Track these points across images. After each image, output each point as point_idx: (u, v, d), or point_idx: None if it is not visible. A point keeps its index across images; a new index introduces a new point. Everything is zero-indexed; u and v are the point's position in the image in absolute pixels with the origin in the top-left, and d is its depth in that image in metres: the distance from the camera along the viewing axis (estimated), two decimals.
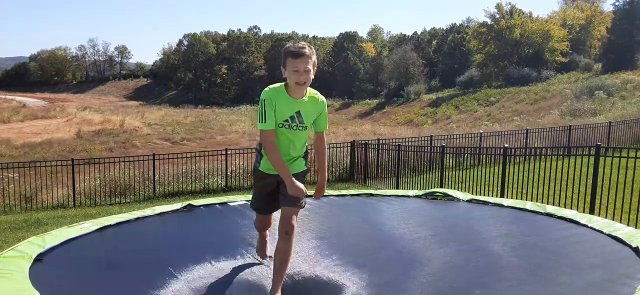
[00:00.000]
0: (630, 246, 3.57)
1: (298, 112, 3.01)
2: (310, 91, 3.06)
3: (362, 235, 4.12)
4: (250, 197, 5.59)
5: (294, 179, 2.97)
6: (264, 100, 2.97)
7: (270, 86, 3.06)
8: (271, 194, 3.21)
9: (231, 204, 5.20)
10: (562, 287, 2.96)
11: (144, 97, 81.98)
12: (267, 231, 3.59)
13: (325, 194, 5.87)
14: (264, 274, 3.21)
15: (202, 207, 5.01)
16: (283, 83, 3.04)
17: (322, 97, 3.11)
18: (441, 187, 9.55)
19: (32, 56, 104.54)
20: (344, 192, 6.11)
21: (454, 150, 12.74)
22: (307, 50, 2.92)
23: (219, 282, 3.08)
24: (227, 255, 3.60)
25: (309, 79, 2.95)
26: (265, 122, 2.97)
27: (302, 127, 3.04)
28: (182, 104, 66.71)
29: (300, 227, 4.31)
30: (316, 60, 3.02)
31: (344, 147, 14.75)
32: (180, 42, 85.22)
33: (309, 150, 3.25)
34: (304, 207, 3.11)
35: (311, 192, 3.26)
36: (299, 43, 2.97)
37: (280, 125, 3.01)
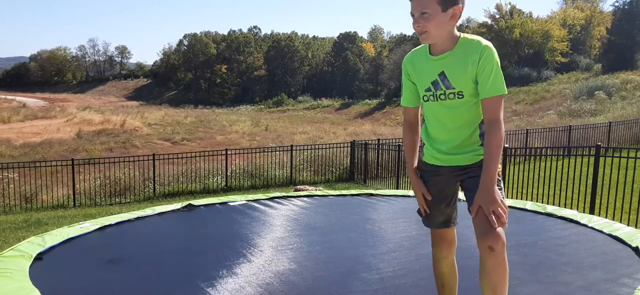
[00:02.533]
0: (630, 246, 3.57)
1: (441, 74, 2.09)
2: (465, 39, 2.10)
3: (362, 235, 4.12)
4: (250, 196, 5.59)
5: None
6: (403, 67, 2.23)
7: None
8: (443, 197, 2.27)
9: (231, 203, 5.20)
10: (562, 286, 2.96)
11: (144, 97, 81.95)
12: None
13: (325, 194, 5.87)
14: (264, 273, 3.21)
15: (202, 207, 5.02)
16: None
17: (480, 41, 2.08)
18: None
19: (32, 56, 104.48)
20: (344, 192, 6.11)
21: None
22: None
23: (219, 282, 3.08)
24: (227, 255, 3.60)
25: (428, 29, 2.02)
26: (401, 96, 2.27)
27: (454, 94, 2.08)
28: (182, 104, 66.71)
29: (300, 227, 4.31)
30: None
31: (344, 147, 14.76)
32: (180, 42, 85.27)
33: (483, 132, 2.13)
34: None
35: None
36: None
37: (424, 98, 2.17)
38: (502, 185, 2.16)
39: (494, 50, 2.09)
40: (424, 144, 2.31)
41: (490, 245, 2.01)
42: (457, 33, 2.11)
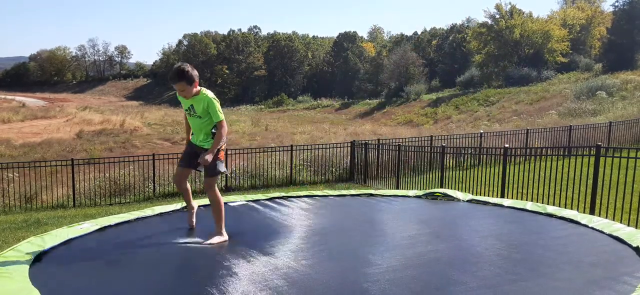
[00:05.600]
0: (630, 246, 3.57)
1: (191, 106, 4.10)
2: (201, 92, 4.07)
3: (362, 235, 4.12)
4: (250, 197, 5.61)
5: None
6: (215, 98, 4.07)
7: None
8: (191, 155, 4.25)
9: (231, 204, 5.20)
10: (562, 283, 2.96)
11: (143, 97, 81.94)
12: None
13: (325, 194, 5.88)
14: (264, 272, 3.21)
15: (202, 208, 5.01)
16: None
17: (207, 94, 4.06)
18: (441, 187, 9.54)
19: (32, 56, 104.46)
20: (344, 192, 6.11)
21: (454, 150, 12.74)
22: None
23: (219, 282, 3.08)
24: (227, 255, 3.59)
25: (186, 92, 4.02)
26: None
27: (196, 116, 4.11)
28: None
29: (300, 227, 4.31)
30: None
31: (344, 147, 14.75)
32: (180, 42, 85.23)
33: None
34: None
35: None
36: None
37: (187, 113, 4.26)
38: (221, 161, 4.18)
39: (214, 97, 4.07)
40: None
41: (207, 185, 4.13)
42: (199, 88, 4.05)
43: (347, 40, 76.52)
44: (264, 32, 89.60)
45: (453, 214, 4.84)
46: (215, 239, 3.97)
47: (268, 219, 4.64)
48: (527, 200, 7.10)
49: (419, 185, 10.86)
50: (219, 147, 4.03)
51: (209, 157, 3.92)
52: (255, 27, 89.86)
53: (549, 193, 7.68)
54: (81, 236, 4.03)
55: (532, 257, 3.45)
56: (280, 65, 75.64)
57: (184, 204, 5.06)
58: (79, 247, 3.82)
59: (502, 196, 8.44)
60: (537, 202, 7.10)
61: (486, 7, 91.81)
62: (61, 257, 3.58)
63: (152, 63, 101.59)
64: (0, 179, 12.59)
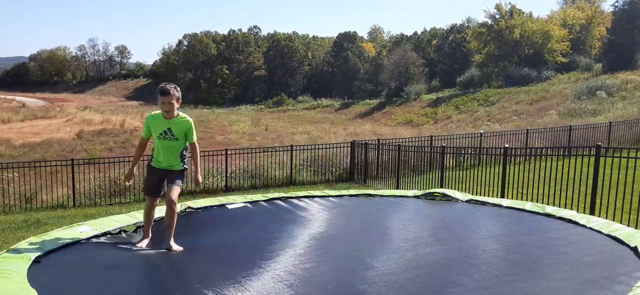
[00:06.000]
0: (629, 246, 3.57)
1: (169, 129, 4.20)
2: (180, 116, 4.25)
3: (361, 236, 4.12)
4: (250, 197, 5.61)
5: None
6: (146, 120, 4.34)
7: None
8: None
9: (230, 205, 5.20)
10: (560, 284, 2.96)
11: (143, 97, 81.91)
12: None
13: (325, 194, 5.88)
14: (264, 273, 3.21)
15: (200, 210, 5.01)
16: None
17: (187, 118, 4.26)
18: (441, 187, 9.54)
19: (32, 56, 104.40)
20: (344, 192, 6.11)
21: (454, 150, 12.74)
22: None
23: (218, 283, 3.08)
24: (226, 257, 3.60)
25: (172, 111, 4.18)
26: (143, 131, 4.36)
27: (173, 138, 4.23)
28: (182, 104, 66.27)
29: (300, 227, 4.31)
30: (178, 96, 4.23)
31: (344, 147, 14.74)
32: (180, 42, 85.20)
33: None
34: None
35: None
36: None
37: (159, 137, 4.26)
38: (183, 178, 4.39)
39: (191, 120, 4.26)
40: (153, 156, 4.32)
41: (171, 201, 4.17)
42: (178, 112, 4.22)
43: (347, 40, 76.49)
44: (264, 32, 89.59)
45: (452, 214, 4.84)
46: (175, 246, 4.01)
47: (268, 221, 4.64)
48: (527, 200, 7.10)
49: (419, 185, 10.85)
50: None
51: (200, 178, 4.34)
52: (255, 27, 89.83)
53: (548, 193, 7.68)
54: (80, 238, 4.03)
55: (530, 257, 3.46)
56: (280, 65, 75.62)
57: (183, 208, 5.07)
58: (77, 248, 3.82)
59: (502, 196, 8.43)
60: (537, 202, 7.10)
61: (486, 7, 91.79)
62: (59, 259, 3.58)
63: (152, 63, 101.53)
64: (0, 179, 12.59)
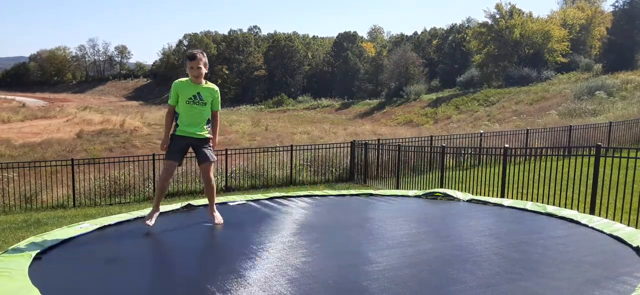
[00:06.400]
0: (631, 246, 3.57)
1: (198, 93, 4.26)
2: (207, 83, 4.34)
3: (362, 234, 4.12)
4: (250, 197, 5.61)
5: None
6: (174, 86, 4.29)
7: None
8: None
9: (231, 204, 5.20)
10: (562, 283, 2.95)
11: (143, 97, 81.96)
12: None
13: (325, 194, 5.89)
14: (264, 272, 3.21)
15: (201, 207, 5.01)
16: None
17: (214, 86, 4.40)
18: (441, 187, 9.54)
19: (32, 56, 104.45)
20: (344, 192, 6.11)
21: (454, 150, 12.74)
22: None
23: (219, 281, 3.07)
24: (227, 255, 3.60)
25: (202, 75, 4.25)
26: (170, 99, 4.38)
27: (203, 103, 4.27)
28: None
29: (300, 226, 4.31)
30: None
31: (344, 147, 14.75)
32: (181, 42, 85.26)
33: None
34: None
35: None
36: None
37: (187, 102, 4.25)
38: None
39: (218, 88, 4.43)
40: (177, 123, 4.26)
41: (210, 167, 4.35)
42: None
43: (347, 40, 76.52)
44: (264, 32, 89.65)
45: (453, 213, 4.84)
46: (218, 217, 4.32)
47: (268, 218, 4.64)
48: (527, 200, 7.10)
49: (419, 185, 10.85)
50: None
51: (217, 140, 4.46)
52: (255, 27, 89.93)
53: (549, 193, 7.68)
54: (81, 235, 4.03)
55: (531, 256, 3.45)
56: (280, 65, 75.63)
57: (184, 204, 5.07)
58: (79, 246, 3.82)
59: (502, 196, 8.44)
60: (537, 202, 7.10)
61: (486, 7, 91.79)
62: (61, 256, 3.58)
63: (152, 63, 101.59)
64: (0, 179, 12.59)
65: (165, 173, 4.28)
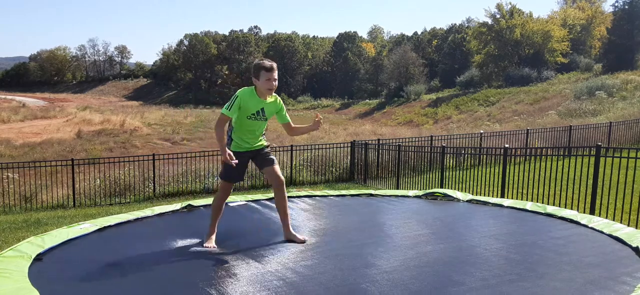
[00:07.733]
0: (630, 246, 3.57)
1: (262, 109, 3.85)
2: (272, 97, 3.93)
3: (362, 235, 4.11)
4: (249, 197, 5.61)
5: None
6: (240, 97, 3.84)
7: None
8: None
9: (231, 204, 5.20)
10: (562, 284, 2.96)
11: (144, 97, 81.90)
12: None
13: (325, 194, 5.89)
14: (265, 272, 3.21)
15: (201, 208, 5.01)
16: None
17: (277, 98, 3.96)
18: (441, 187, 9.54)
19: (32, 56, 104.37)
20: (344, 192, 6.11)
21: (454, 150, 12.74)
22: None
23: (219, 282, 3.08)
24: (227, 256, 3.59)
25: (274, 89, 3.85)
26: (230, 110, 3.88)
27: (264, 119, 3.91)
28: (182, 104, 66.64)
29: (301, 226, 4.31)
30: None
31: (344, 147, 14.75)
32: (181, 42, 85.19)
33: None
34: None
35: None
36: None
37: (249, 117, 3.87)
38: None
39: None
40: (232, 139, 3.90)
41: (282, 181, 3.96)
42: None
43: (347, 40, 76.50)
44: (264, 32, 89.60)
45: (453, 214, 4.84)
46: (300, 235, 3.97)
47: (267, 219, 4.64)
48: (527, 200, 7.10)
49: (419, 185, 10.85)
50: None
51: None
52: (255, 27, 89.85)
53: (549, 193, 7.68)
54: (81, 236, 4.03)
55: (531, 257, 3.45)
56: (280, 66, 75.13)
57: (184, 204, 5.06)
58: (78, 247, 3.82)
59: (502, 196, 8.44)
60: (537, 202, 7.10)
61: (487, 7, 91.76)
62: (61, 257, 3.58)
63: (152, 63, 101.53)
64: (0, 179, 12.58)
65: (223, 193, 4.01)
